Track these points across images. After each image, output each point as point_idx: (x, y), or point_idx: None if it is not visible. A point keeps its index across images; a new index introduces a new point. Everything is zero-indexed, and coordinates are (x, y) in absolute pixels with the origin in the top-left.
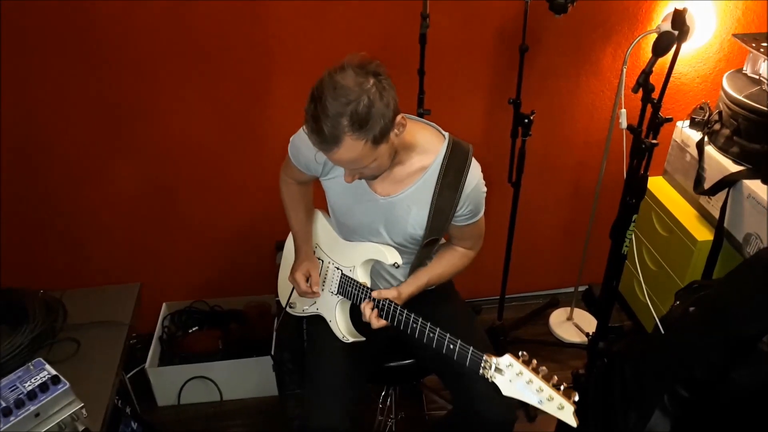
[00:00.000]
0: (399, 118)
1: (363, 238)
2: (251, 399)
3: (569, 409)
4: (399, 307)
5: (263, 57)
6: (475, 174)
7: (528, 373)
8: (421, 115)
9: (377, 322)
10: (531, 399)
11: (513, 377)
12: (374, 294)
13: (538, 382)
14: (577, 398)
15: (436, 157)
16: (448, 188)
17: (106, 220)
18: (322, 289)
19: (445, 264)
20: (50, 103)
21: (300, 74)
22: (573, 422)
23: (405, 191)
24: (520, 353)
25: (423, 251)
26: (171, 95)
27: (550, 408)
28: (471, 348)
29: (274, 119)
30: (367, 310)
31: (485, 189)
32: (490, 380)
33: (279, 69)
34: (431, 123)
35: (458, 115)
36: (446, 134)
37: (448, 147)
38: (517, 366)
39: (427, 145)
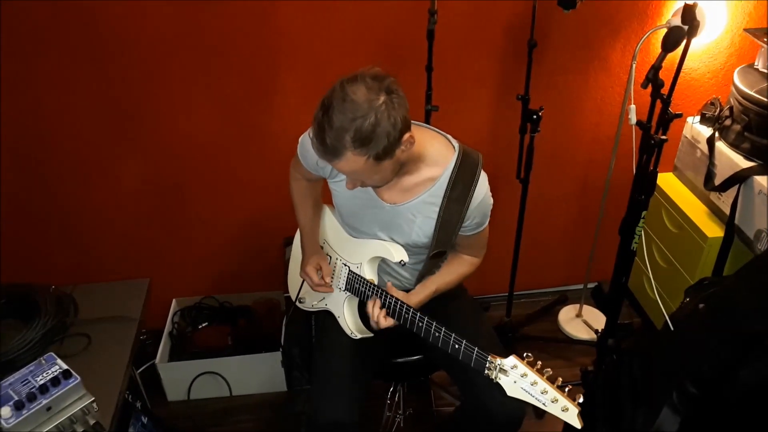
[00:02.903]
0: (407, 136)
1: (367, 236)
2: (260, 394)
3: (573, 411)
4: (406, 305)
5: (271, 54)
6: (482, 188)
7: (532, 375)
8: (428, 112)
9: (384, 321)
10: (535, 400)
11: (517, 378)
12: (388, 286)
13: (542, 383)
14: (582, 400)
15: (445, 169)
16: (455, 202)
17: (117, 217)
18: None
19: (452, 272)
20: (58, 99)
21: (307, 72)
22: (577, 424)
23: (411, 201)
24: (525, 354)
25: (431, 262)
26: (178, 92)
27: (555, 410)
28: (476, 348)
29: (281, 115)
30: (376, 309)
31: (492, 201)
32: (494, 381)
33: (287, 66)
34: (442, 132)
35: (466, 111)
36: (456, 145)
37: (457, 159)
38: (522, 367)
39: (436, 157)
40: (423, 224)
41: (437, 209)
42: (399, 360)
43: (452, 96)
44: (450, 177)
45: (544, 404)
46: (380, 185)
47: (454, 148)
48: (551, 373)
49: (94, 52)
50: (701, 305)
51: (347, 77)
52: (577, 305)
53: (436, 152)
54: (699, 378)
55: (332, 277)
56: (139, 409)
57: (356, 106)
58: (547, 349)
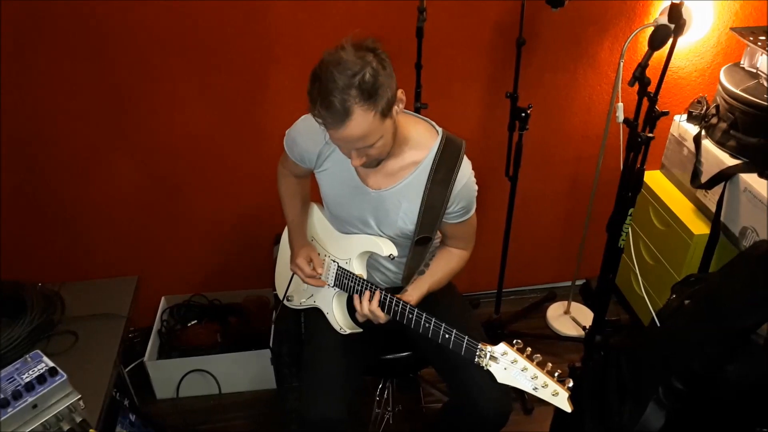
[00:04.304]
0: (399, 92)
1: (356, 230)
2: (250, 392)
3: (564, 395)
4: (396, 299)
5: (262, 51)
6: (465, 171)
7: (522, 361)
8: (418, 109)
9: (368, 305)
10: (526, 386)
11: (508, 365)
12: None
13: (532, 369)
14: (571, 384)
15: (429, 152)
16: (439, 185)
17: (106, 213)
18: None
19: (443, 268)
20: (50, 95)
21: (298, 68)
22: (567, 408)
23: (396, 185)
24: (514, 341)
25: (416, 249)
26: (169, 89)
27: (545, 394)
28: (466, 337)
29: (272, 113)
30: (365, 302)
31: (476, 187)
32: (485, 368)
33: (277, 63)
34: (425, 118)
35: (455, 108)
36: (440, 130)
37: (441, 143)
38: (512, 354)
39: (420, 140)
40: (408, 209)
41: (421, 193)
42: (388, 356)
43: (441, 94)
44: (434, 160)
45: (534, 389)
46: (383, 156)
47: (437, 132)
48: (540, 359)
49: (89, 48)
50: (687, 302)
51: (331, 49)
52: (565, 302)
53: (420, 136)
54: (686, 374)
55: (323, 269)
56: (127, 407)
57: (351, 64)
58: (536, 346)
